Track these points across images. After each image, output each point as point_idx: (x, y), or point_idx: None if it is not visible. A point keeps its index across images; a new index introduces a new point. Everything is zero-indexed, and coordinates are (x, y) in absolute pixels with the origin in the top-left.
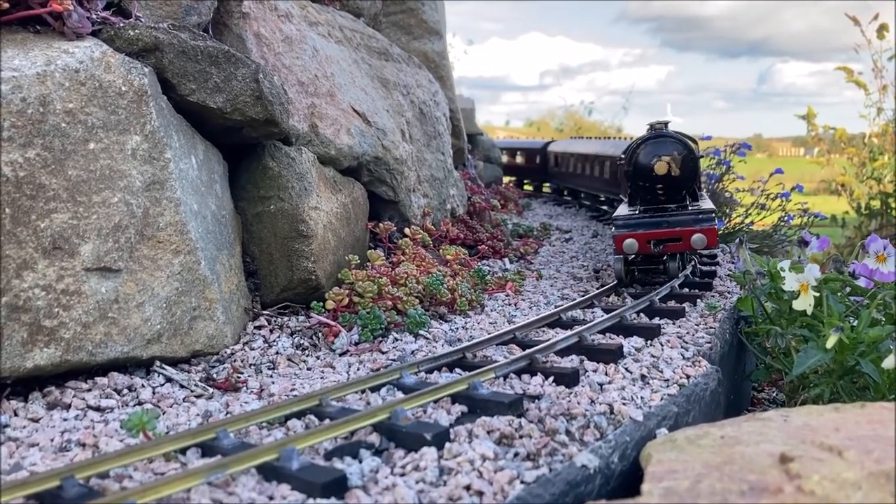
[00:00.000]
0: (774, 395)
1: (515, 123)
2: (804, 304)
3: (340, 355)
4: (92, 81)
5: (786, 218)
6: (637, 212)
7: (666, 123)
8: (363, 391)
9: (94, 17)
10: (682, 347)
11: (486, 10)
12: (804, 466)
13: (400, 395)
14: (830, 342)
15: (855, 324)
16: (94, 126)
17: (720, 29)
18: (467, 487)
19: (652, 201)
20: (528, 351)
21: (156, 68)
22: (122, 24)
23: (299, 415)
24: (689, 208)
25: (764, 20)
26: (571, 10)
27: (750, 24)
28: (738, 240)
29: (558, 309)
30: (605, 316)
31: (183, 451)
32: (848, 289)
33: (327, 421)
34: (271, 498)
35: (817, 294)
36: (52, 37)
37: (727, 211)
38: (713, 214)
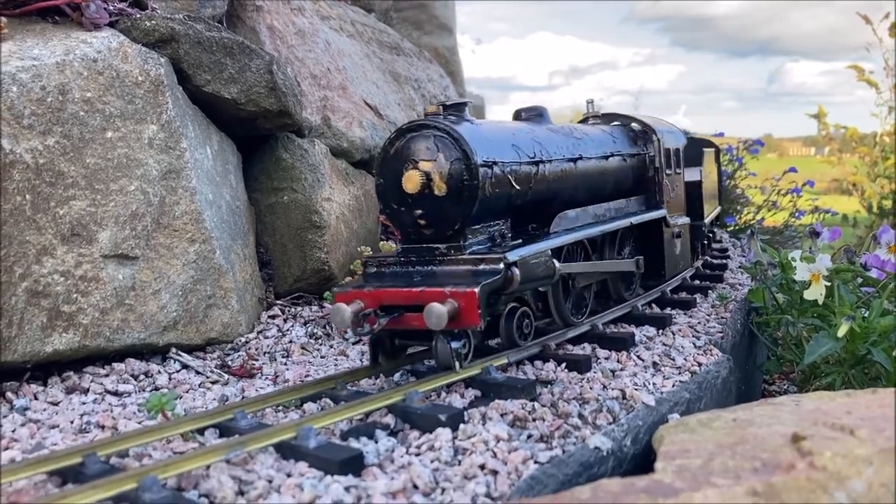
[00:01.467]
0: (785, 387)
1: None
2: (815, 293)
3: (353, 344)
4: (109, 71)
5: (797, 214)
6: (394, 255)
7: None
8: (377, 376)
9: (111, 7)
10: (693, 336)
11: (494, 10)
12: (816, 444)
13: (413, 379)
14: (842, 331)
15: (866, 314)
16: (112, 115)
17: (730, 28)
18: (482, 466)
19: (414, 238)
20: (541, 339)
21: (172, 59)
22: (138, 15)
23: (315, 398)
24: (466, 253)
25: (774, 19)
26: (580, 10)
27: (759, 23)
28: (749, 231)
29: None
30: (617, 306)
31: (201, 431)
32: (859, 279)
33: (342, 403)
34: (289, 475)
35: (829, 284)
36: (70, 27)
37: (738, 208)
38: (501, 267)
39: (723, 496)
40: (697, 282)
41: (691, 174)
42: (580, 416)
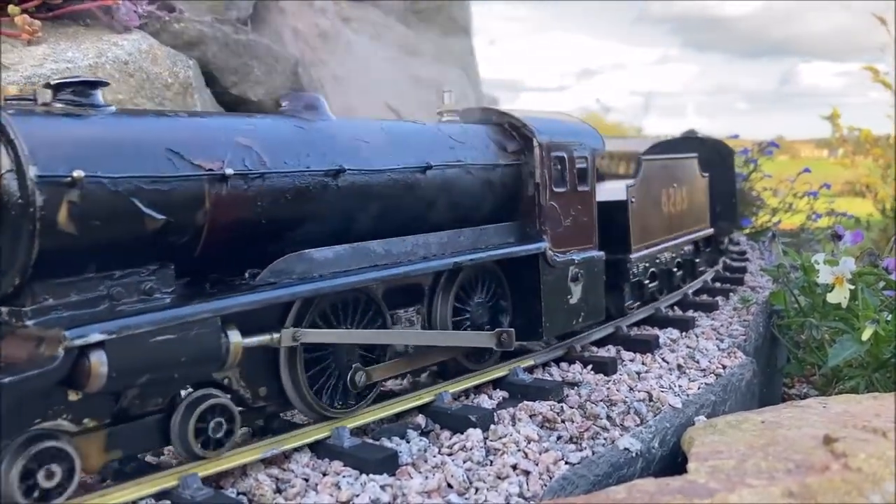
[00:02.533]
0: (805, 391)
1: None
2: (839, 296)
3: None
4: (140, 73)
5: (813, 216)
6: None
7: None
8: (404, 376)
9: (140, 10)
10: (717, 339)
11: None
12: (849, 446)
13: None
14: (866, 334)
15: (889, 317)
16: None
17: (742, 29)
18: (514, 467)
19: None
20: (566, 341)
21: (200, 61)
22: (167, 18)
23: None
24: (29, 323)
25: (786, 20)
26: (591, 11)
27: (772, 24)
28: (770, 234)
29: None
30: (641, 308)
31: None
32: (882, 283)
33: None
34: (325, 474)
35: (852, 287)
36: (101, 30)
37: (754, 210)
38: (59, 353)
39: (759, 496)
40: (718, 284)
41: (613, 192)
42: (608, 417)
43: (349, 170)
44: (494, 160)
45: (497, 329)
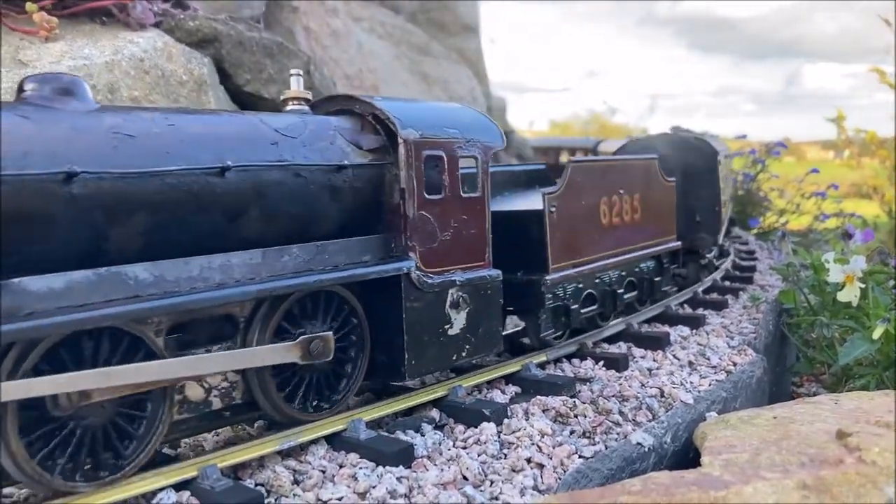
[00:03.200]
0: (814, 389)
1: (540, 126)
2: (849, 295)
3: None
4: (155, 70)
5: (821, 217)
6: None
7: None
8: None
9: (155, 8)
10: (727, 337)
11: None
12: (863, 440)
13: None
14: (877, 333)
15: None
16: None
17: (748, 31)
18: (528, 460)
19: None
20: (578, 337)
21: (214, 59)
22: (182, 16)
23: (359, 392)
24: None
25: (792, 22)
26: (597, 12)
27: (778, 25)
28: (780, 233)
29: None
30: (651, 306)
31: (251, 422)
32: (893, 281)
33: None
34: (342, 466)
35: (863, 286)
36: (117, 28)
37: (762, 210)
38: None
39: (773, 489)
40: (728, 283)
41: (524, 201)
42: (620, 412)
43: (91, 173)
44: (341, 160)
45: (303, 336)
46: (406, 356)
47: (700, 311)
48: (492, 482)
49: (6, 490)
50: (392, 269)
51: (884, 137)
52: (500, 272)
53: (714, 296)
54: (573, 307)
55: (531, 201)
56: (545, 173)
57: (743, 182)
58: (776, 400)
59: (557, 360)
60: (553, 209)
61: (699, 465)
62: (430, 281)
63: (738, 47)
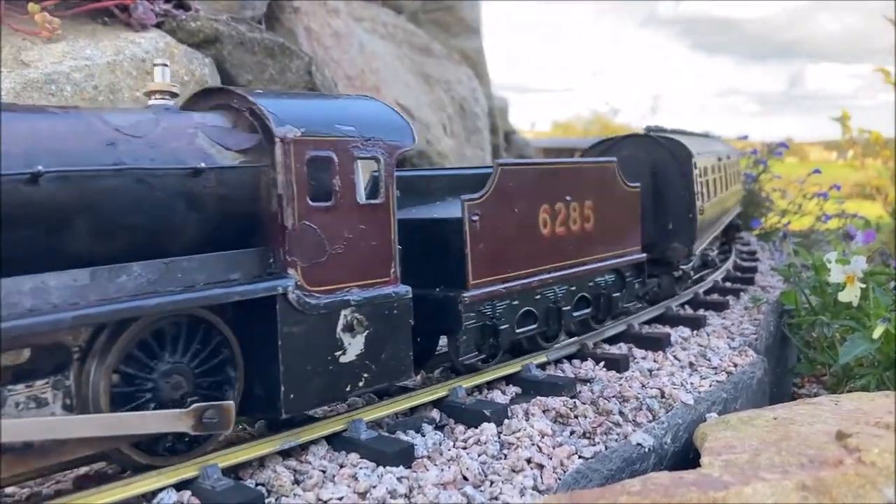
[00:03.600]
0: (815, 391)
1: (542, 126)
2: (850, 295)
3: None
4: None
5: (823, 217)
6: None
7: None
8: (417, 372)
9: (157, 9)
10: (728, 338)
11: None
12: (863, 441)
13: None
14: (877, 332)
15: None
16: None
17: (751, 31)
18: (528, 460)
19: None
20: (578, 337)
21: (215, 59)
22: (183, 17)
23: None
24: None
25: (796, 22)
26: (599, 12)
27: (782, 26)
28: (781, 233)
29: None
30: (651, 307)
31: (252, 422)
32: (893, 282)
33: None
34: (342, 466)
35: (863, 286)
36: (119, 28)
37: (763, 211)
38: None
39: (773, 490)
40: (729, 284)
41: (447, 208)
42: (621, 413)
43: None
44: (199, 162)
45: (196, 405)
46: (282, 389)
47: (701, 312)
48: (492, 482)
49: (8, 489)
50: (263, 288)
51: (888, 138)
52: (409, 289)
53: (715, 297)
54: (503, 327)
55: (453, 209)
56: None
57: (745, 183)
58: (777, 401)
59: (558, 361)
60: (476, 218)
61: (699, 465)
62: (314, 301)
63: (741, 48)
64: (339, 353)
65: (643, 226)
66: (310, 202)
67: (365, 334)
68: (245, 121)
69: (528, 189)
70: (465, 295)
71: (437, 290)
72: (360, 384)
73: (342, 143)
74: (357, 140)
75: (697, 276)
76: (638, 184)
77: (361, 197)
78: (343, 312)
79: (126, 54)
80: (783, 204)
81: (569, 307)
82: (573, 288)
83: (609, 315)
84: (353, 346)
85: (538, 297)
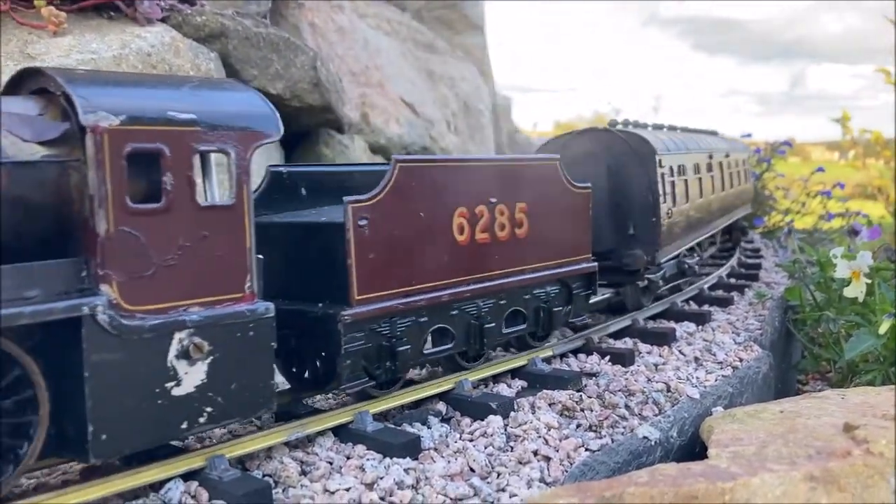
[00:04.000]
0: (819, 387)
1: (544, 126)
2: (856, 291)
3: None
4: (163, 65)
5: (827, 216)
6: None
7: None
8: (423, 366)
9: (162, 3)
10: (733, 333)
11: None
12: (870, 433)
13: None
14: (883, 328)
15: None
16: None
17: (753, 31)
18: (535, 452)
19: None
20: (584, 332)
21: (221, 54)
22: (189, 11)
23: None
24: None
25: (798, 22)
26: (601, 12)
27: (783, 26)
28: (786, 230)
29: None
30: (657, 302)
31: (258, 416)
32: None
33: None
34: (349, 457)
35: (869, 282)
36: (124, 23)
37: (766, 209)
38: None
39: (780, 480)
40: (733, 280)
41: (331, 212)
42: (627, 406)
43: None
44: None
45: None
46: (90, 429)
47: (706, 307)
48: (499, 474)
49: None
50: (62, 308)
51: (889, 138)
52: (270, 307)
53: (720, 293)
54: (403, 348)
55: (332, 211)
56: None
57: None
58: (782, 397)
59: (563, 355)
60: (364, 223)
61: (706, 457)
62: (135, 323)
63: (743, 48)
64: (172, 384)
65: (602, 230)
66: (130, 204)
67: (208, 361)
68: (57, 107)
69: (437, 190)
70: (346, 312)
71: (319, 306)
72: (202, 420)
73: (176, 133)
74: (198, 130)
75: (671, 285)
76: (588, 184)
77: (207, 197)
78: (177, 336)
79: (132, 48)
80: (786, 203)
81: (494, 324)
82: (503, 302)
83: (551, 330)
84: (191, 376)
85: (454, 312)
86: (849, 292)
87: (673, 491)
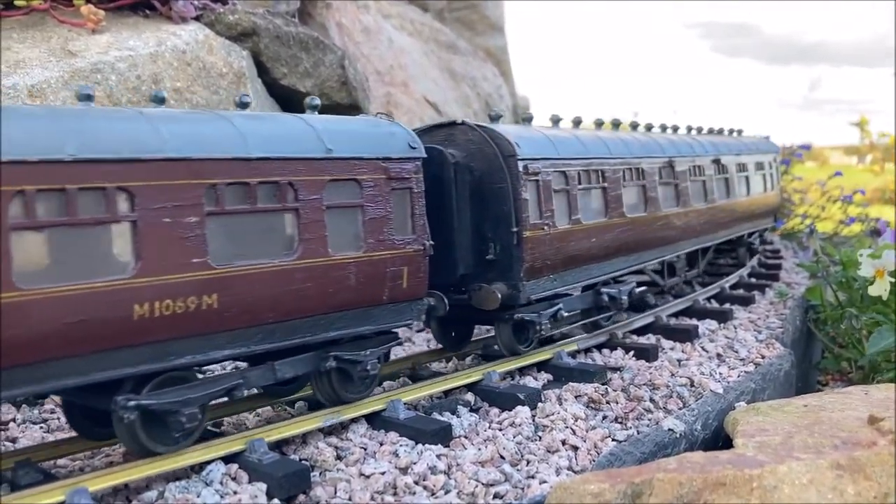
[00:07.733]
0: (839, 388)
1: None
2: (880, 289)
3: (417, 332)
4: (197, 62)
5: (847, 220)
6: None
7: None
8: (449, 359)
9: (196, 2)
10: (755, 330)
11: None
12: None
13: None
14: None
15: None
16: (198, 105)
17: (771, 35)
18: (563, 442)
19: None
20: (607, 327)
21: (252, 52)
22: (221, 10)
23: (393, 377)
24: None
25: (816, 26)
26: (620, 15)
27: (802, 29)
28: (809, 229)
29: None
30: (678, 300)
31: (291, 403)
32: None
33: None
34: (382, 443)
35: (893, 280)
36: (160, 21)
37: (786, 211)
38: None
39: (807, 468)
40: (754, 279)
41: None
42: (652, 400)
43: None
44: None
45: None
46: None
47: (727, 305)
48: (528, 462)
49: (61, 461)
50: None
51: None
52: None
53: (741, 291)
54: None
55: None
56: None
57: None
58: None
59: (588, 350)
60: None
61: (732, 447)
62: None
63: (761, 51)
64: None
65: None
66: None
67: None
68: None
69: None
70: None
71: None
72: None
73: None
74: None
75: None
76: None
77: None
78: None
79: (167, 45)
80: (804, 208)
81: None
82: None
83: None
84: None
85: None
86: (873, 291)
87: (701, 477)
